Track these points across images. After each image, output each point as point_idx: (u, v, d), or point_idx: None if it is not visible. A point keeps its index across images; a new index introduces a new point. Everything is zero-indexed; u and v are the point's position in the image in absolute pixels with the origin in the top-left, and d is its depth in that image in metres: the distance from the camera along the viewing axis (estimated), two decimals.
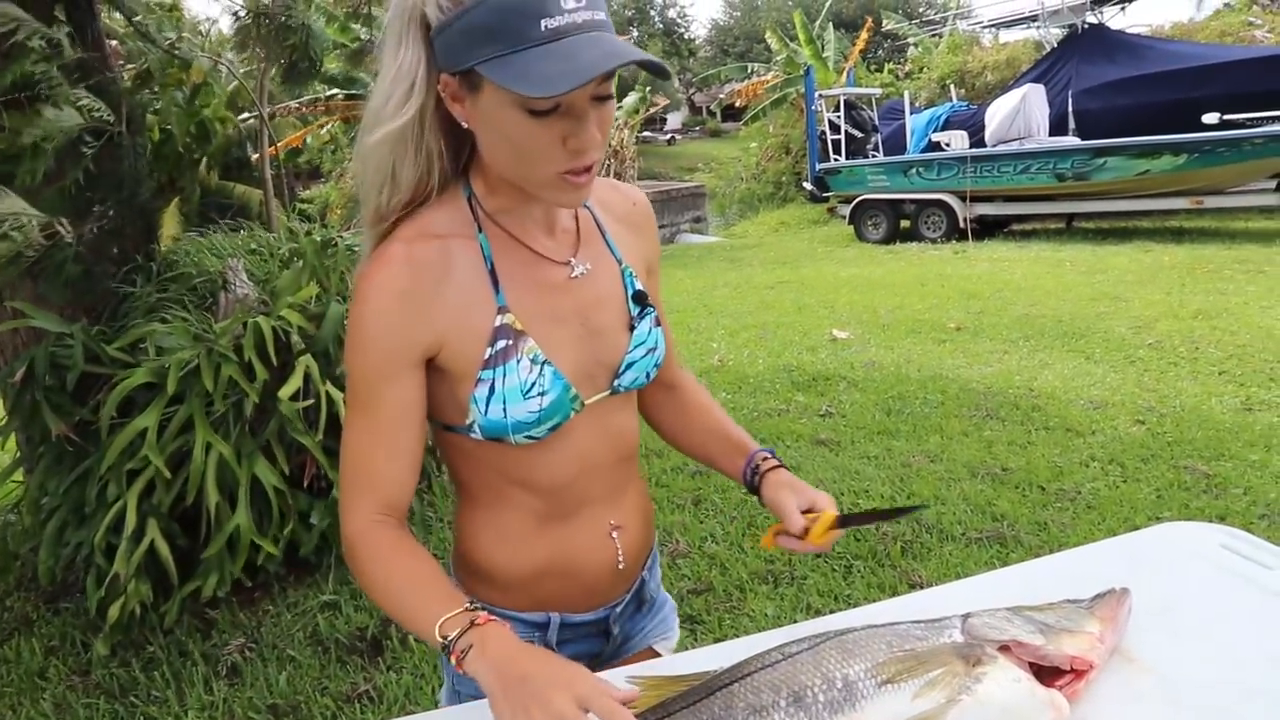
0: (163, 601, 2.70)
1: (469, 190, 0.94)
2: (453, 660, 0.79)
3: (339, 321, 2.92)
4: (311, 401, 2.80)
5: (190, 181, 4.23)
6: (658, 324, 1.05)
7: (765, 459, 1.08)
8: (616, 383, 1.00)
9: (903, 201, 12.08)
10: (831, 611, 2.64)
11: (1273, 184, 9.64)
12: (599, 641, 1.10)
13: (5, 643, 2.81)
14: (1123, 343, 5.53)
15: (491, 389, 0.90)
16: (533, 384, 0.91)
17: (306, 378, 2.81)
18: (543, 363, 0.91)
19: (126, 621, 2.65)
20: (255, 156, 6.02)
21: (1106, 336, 5.70)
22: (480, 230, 0.93)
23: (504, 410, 0.90)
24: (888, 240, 12.16)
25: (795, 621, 2.56)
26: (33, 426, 2.77)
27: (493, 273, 0.92)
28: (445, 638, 0.80)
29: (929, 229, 11.82)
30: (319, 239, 2.97)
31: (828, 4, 20.45)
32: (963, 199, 11.31)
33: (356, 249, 3.18)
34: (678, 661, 1.09)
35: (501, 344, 0.90)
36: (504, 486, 0.99)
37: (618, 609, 1.09)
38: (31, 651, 2.73)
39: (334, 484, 2.89)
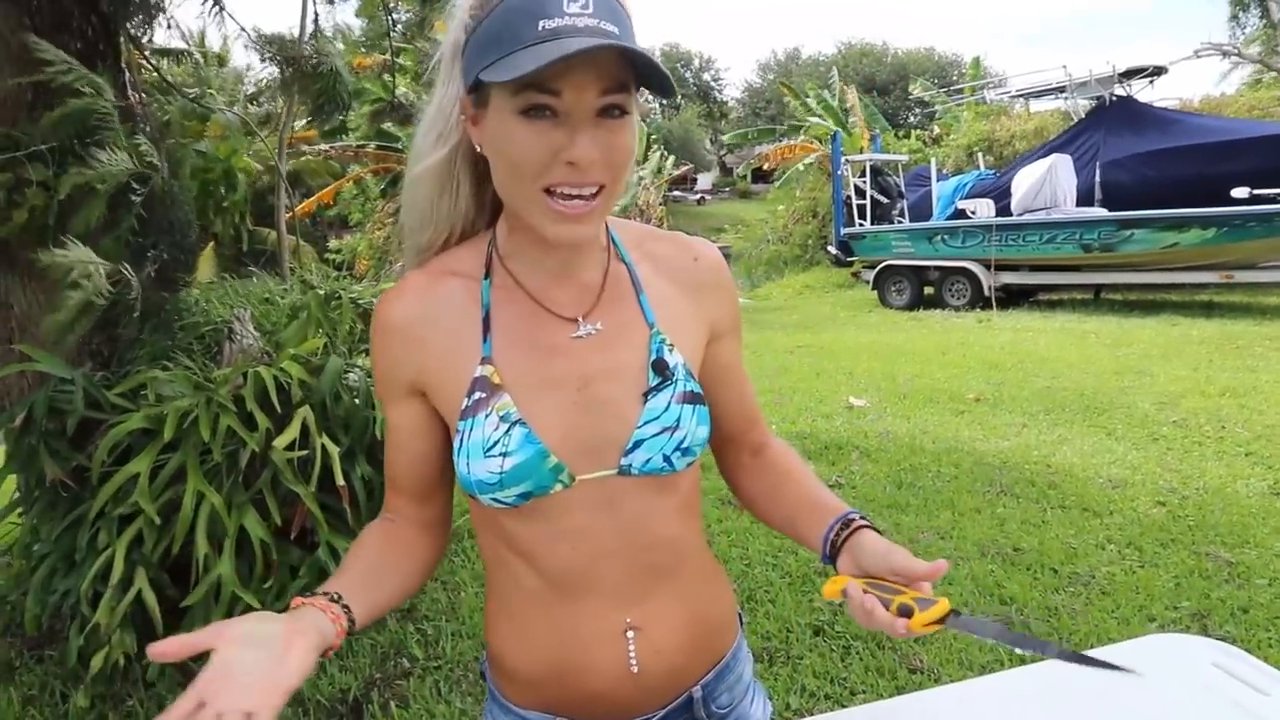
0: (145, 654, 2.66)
1: (493, 231, 0.92)
2: None
3: (337, 374, 2.91)
4: (306, 453, 2.78)
5: (223, 228, 4.29)
6: (690, 402, 0.89)
7: (857, 519, 0.89)
8: (625, 462, 0.87)
9: (927, 268, 12.06)
10: (826, 695, 2.54)
11: None
12: None
13: None
14: (1146, 419, 5.40)
15: (461, 441, 0.86)
16: (495, 442, 0.84)
17: (304, 430, 2.79)
18: (514, 422, 0.84)
19: (109, 673, 2.60)
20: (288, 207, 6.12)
21: (1129, 412, 5.58)
22: (487, 275, 0.90)
23: (468, 466, 0.85)
24: (911, 307, 12.12)
25: (788, 704, 2.47)
26: (31, 470, 2.77)
27: (486, 319, 0.88)
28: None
29: (953, 296, 11.77)
30: (323, 292, 2.97)
31: (835, 77, 20.76)
32: (988, 267, 11.27)
33: (362, 302, 3.19)
34: None
35: (477, 395, 0.85)
36: (508, 557, 0.93)
37: None
38: (9, 701, 2.68)
39: (323, 544, 2.85)
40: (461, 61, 0.82)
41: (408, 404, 0.91)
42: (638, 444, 0.87)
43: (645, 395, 0.87)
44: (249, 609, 2.68)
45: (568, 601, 0.91)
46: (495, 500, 0.86)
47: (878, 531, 0.87)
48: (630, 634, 0.90)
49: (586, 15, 0.74)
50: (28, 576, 2.78)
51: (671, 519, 0.93)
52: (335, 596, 0.83)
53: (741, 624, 1.07)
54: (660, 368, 0.88)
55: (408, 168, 0.91)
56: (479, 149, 0.84)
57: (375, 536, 0.95)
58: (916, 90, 20.92)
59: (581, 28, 0.74)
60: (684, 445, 0.89)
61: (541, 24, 0.73)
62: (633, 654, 0.90)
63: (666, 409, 0.87)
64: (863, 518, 0.89)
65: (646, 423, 0.87)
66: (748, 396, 1.04)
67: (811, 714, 2.41)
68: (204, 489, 2.59)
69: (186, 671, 2.76)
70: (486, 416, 0.84)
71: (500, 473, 0.84)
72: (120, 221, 2.64)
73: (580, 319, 0.89)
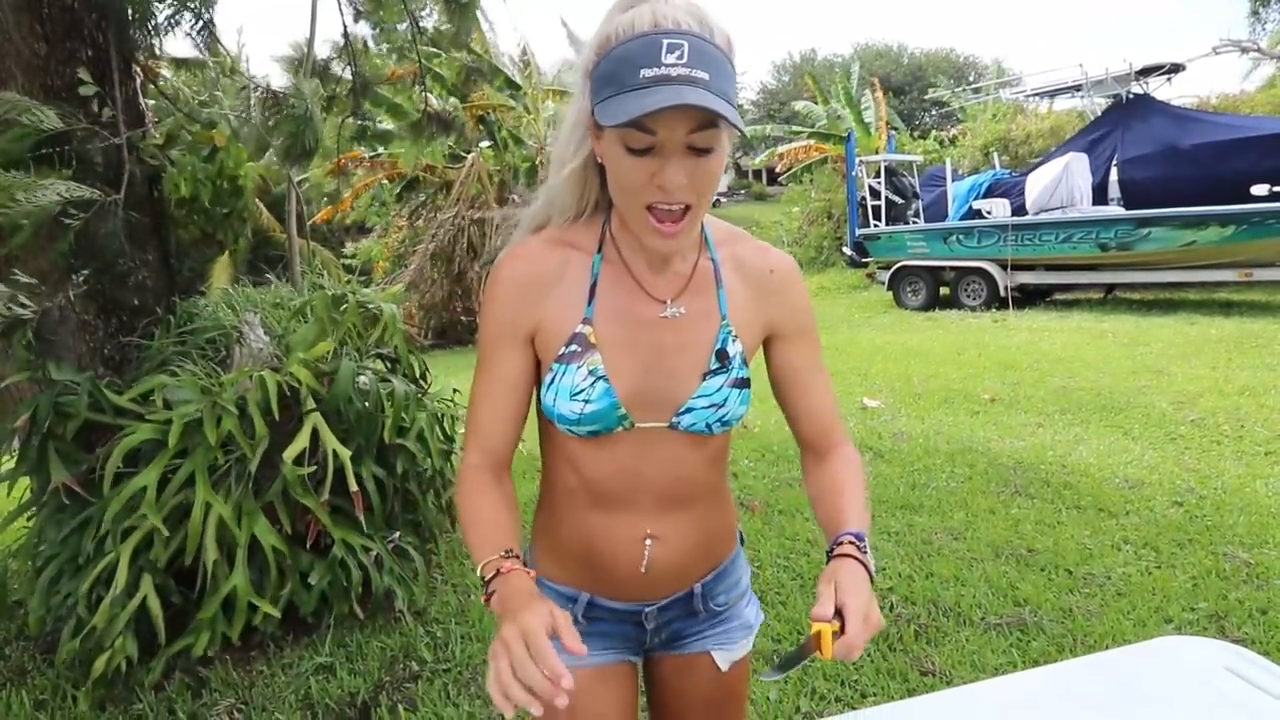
0: (150, 658, 2.66)
1: (608, 216, 1.09)
2: (484, 593, 0.96)
3: (350, 379, 2.91)
4: (315, 468, 2.78)
5: (230, 236, 4.32)
6: (738, 386, 1.09)
7: (840, 543, 1.02)
8: (675, 420, 1.08)
9: (943, 269, 11.97)
10: (837, 698, 2.51)
11: None
12: (632, 629, 1.21)
13: None
14: (1163, 419, 5.33)
15: (554, 379, 1.05)
16: (581, 390, 1.04)
17: (315, 436, 2.79)
18: (600, 377, 1.04)
19: (111, 677, 2.61)
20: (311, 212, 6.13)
21: (1146, 412, 5.51)
22: (600, 251, 1.08)
23: (554, 400, 1.06)
24: (927, 307, 12.03)
25: (798, 708, 2.44)
26: (40, 473, 2.78)
27: (593, 288, 1.06)
28: (483, 578, 0.97)
29: (969, 297, 11.67)
30: (330, 294, 2.97)
31: (856, 70, 20.62)
32: (1003, 267, 11.18)
33: (370, 305, 3.19)
34: None
35: (574, 347, 1.05)
36: (561, 465, 1.14)
37: (653, 608, 1.19)
38: (21, 704, 2.69)
39: (336, 543, 2.85)
40: (589, 86, 0.97)
41: (517, 353, 1.08)
42: (689, 410, 1.08)
43: (705, 375, 1.07)
44: (266, 618, 2.70)
45: (600, 508, 1.13)
46: (570, 431, 1.08)
47: (857, 554, 0.99)
48: (648, 541, 1.13)
49: (680, 65, 0.88)
50: (33, 579, 2.80)
51: (700, 466, 1.14)
52: (517, 554, 1.00)
53: (741, 540, 1.30)
54: (722, 356, 1.08)
55: (551, 169, 1.08)
56: (599, 159, 1.01)
57: (488, 489, 1.09)
58: (941, 90, 20.62)
59: (675, 77, 0.88)
60: (724, 419, 1.09)
61: (643, 73, 0.88)
62: (647, 557, 1.13)
63: (718, 390, 1.08)
64: (856, 539, 1.01)
65: (699, 396, 1.08)
66: (819, 401, 1.18)
67: (822, 716, 2.38)
68: (211, 499, 2.60)
69: (196, 676, 2.77)
70: (578, 368, 1.04)
71: (580, 414, 1.05)
72: (51, 247, 2.71)
73: (669, 301, 1.08)
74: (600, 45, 0.94)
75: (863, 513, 1.10)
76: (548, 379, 1.06)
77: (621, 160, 0.94)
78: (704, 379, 1.07)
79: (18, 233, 2.39)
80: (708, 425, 1.09)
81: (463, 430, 2.60)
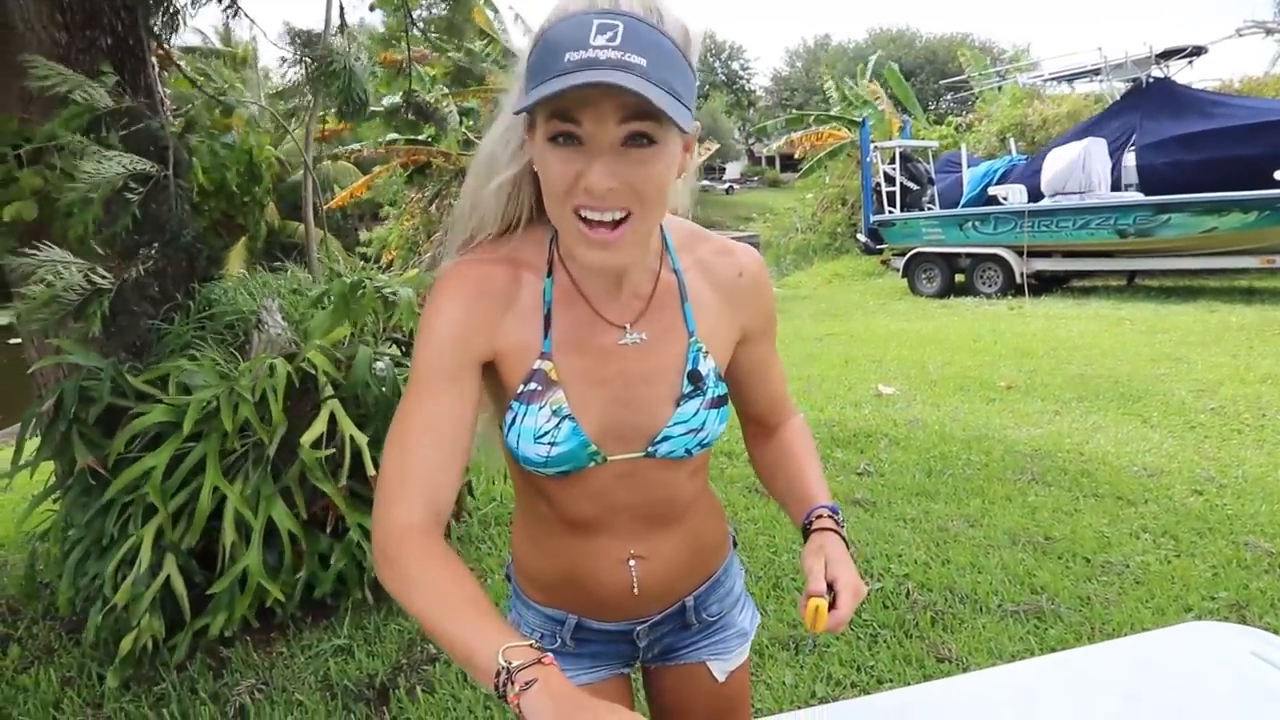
0: (177, 637, 2.70)
1: (556, 234, 0.96)
2: (514, 687, 0.75)
3: (368, 364, 2.92)
4: (333, 451, 2.80)
5: (251, 221, 4.33)
6: (715, 406, 1.01)
7: (819, 516, 1.04)
8: (650, 449, 1.00)
9: (958, 255, 11.89)
10: (853, 684, 2.51)
11: None
12: (624, 647, 1.16)
13: (25, 670, 2.82)
14: (1183, 407, 5.29)
15: (514, 419, 0.95)
16: (546, 432, 0.94)
17: (332, 422, 2.81)
18: (564, 416, 0.94)
19: (138, 656, 2.64)
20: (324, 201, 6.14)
21: (1166, 400, 5.47)
22: (550, 273, 0.96)
23: (518, 444, 0.95)
24: (942, 294, 11.96)
25: (814, 693, 2.45)
26: (63, 457, 2.81)
27: (547, 317, 0.95)
28: (509, 663, 0.76)
29: (984, 284, 11.60)
30: (348, 280, 2.98)
31: (874, 57, 20.43)
32: (1019, 254, 11.09)
33: (386, 291, 3.20)
34: None
35: (534, 385, 0.94)
36: (534, 495, 1.05)
37: (644, 625, 1.13)
38: (49, 681, 2.73)
39: (351, 528, 2.87)
40: (523, 87, 0.86)
41: (463, 383, 0.93)
42: (666, 438, 1.00)
43: (678, 401, 0.99)
44: (280, 600, 2.72)
45: (581, 536, 1.05)
46: (538, 472, 0.98)
47: (835, 527, 1.02)
48: (633, 562, 1.06)
49: (612, 48, 0.77)
50: (62, 561, 2.83)
51: (682, 484, 1.07)
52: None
53: (734, 544, 1.25)
54: (695, 378, 0.99)
55: (477, 177, 0.96)
56: (535, 167, 0.89)
57: (452, 559, 0.88)
58: (964, 60, 20.27)
59: (604, 60, 0.76)
60: (704, 441, 1.02)
61: (568, 56, 0.77)
62: (635, 578, 1.07)
63: (695, 414, 0.99)
64: (831, 512, 1.03)
65: (676, 424, 0.99)
66: (774, 385, 1.16)
67: (838, 701, 2.38)
68: (221, 484, 2.62)
69: (217, 656, 2.80)
70: (540, 408, 0.94)
71: (547, 456, 0.95)
72: (117, 220, 2.71)
73: (627, 326, 0.97)
74: (536, 36, 0.84)
75: (823, 480, 1.11)
76: (508, 418, 0.96)
77: (547, 157, 0.83)
78: (678, 405, 0.99)
79: (88, 205, 2.39)
80: (687, 450, 1.01)
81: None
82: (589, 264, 0.87)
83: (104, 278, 2.59)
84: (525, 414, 0.94)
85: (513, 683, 0.75)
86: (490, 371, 0.97)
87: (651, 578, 1.08)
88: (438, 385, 0.92)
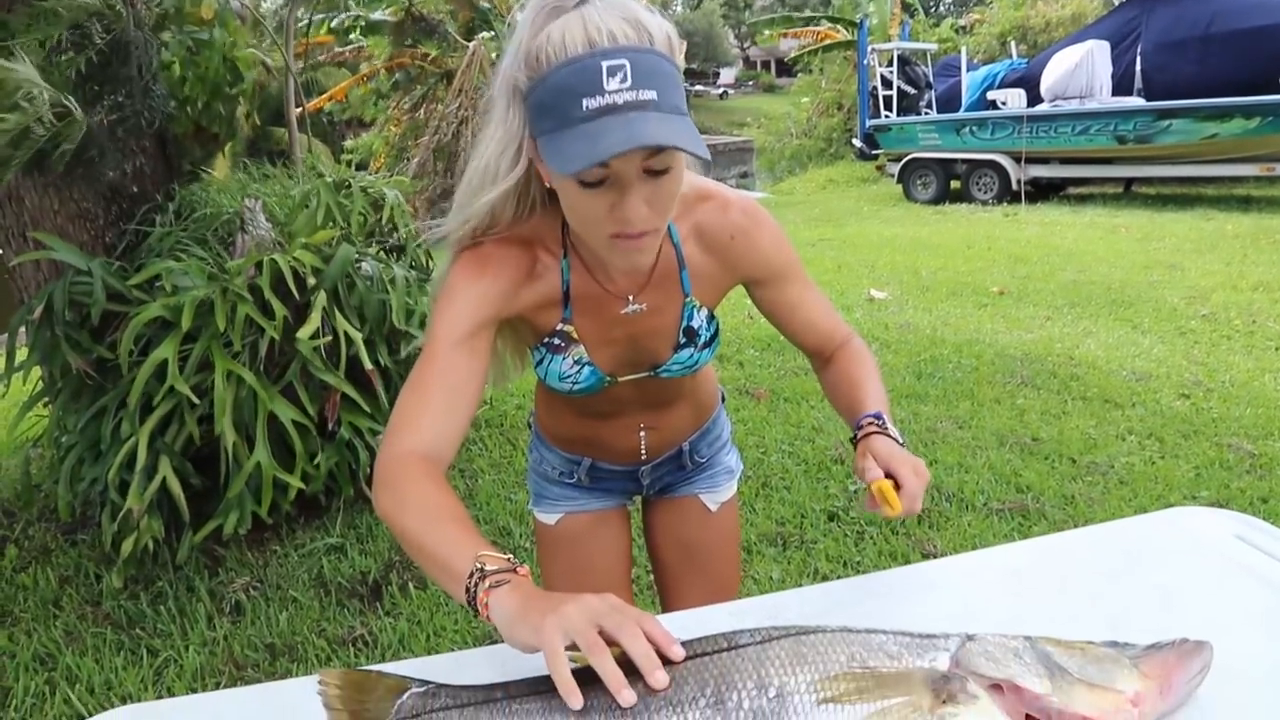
0: (176, 538, 2.73)
1: (563, 218, 1.02)
2: (484, 583, 0.77)
3: (347, 261, 2.87)
4: (330, 338, 2.78)
5: (223, 125, 4.20)
6: (703, 348, 1.16)
7: (869, 423, 1.07)
8: (655, 372, 1.17)
9: (954, 161, 11.70)
10: (839, 578, 2.57)
11: None
12: (629, 484, 1.39)
13: (24, 570, 2.87)
14: (1174, 313, 5.30)
15: (541, 360, 1.12)
16: (569, 374, 1.12)
17: (325, 316, 2.78)
18: (585, 364, 1.12)
19: (139, 556, 2.68)
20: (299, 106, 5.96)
21: (1157, 306, 5.48)
22: (565, 255, 1.06)
23: (545, 376, 1.14)
24: (937, 201, 11.82)
25: (800, 586, 2.50)
26: (53, 362, 2.79)
27: (566, 293, 1.08)
28: (483, 565, 0.78)
29: (980, 190, 11.45)
30: (332, 180, 2.91)
31: None
32: (1017, 160, 10.91)
33: (371, 191, 3.14)
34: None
35: (558, 340, 1.10)
36: (553, 392, 1.20)
37: (647, 466, 1.35)
38: (47, 580, 2.78)
39: (343, 426, 2.88)
40: (522, 109, 0.91)
41: (477, 339, 1.00)
42: (666, 370, 1.18)
43: (675, 349, 1.15)
44: (286, 496, 2.73)
45: (597, 420, 1.28)
46: (559, 393, 1.18)
47: (881, 429, 1.05)
48: (643, 432, 1.29)
49: (625, 89, 0.81)
50: (57, 465, 2.84)
51: (683, 382, 1.25)
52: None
53: (722, 400, 1.45)
54: (689, 333, 1.14)
55: (470, 188, 0.99)
56: (547, 184, 0.96)
57: (443, 481, 0.92)
58: None
59: (622, 104, 0.81)
60: (698, 364, 1.19)
61: (585, 103, 0.81)
62: (643, 443, 1.30)
63: (689, 356, 1.17)
64: (875, 419, 1.07)
65: (674, 363, 1.17)
66: (816, 321, 1.21)
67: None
68: (235, 367, 2.59)
69: (213, 555, 2.84)
70: (564, 358, 1.11)
71: (570, 388, 1.15)
72: (81, 51, 2.59)
73: (630, 298, 1.10)
74: (530, 64, 0.86)
75: (880, 395, 1.13)
76: (535, 357, 1.14)
77: (575, 198, 0.90)
78: (675, 351, 1.16)
79: (54, 22, 2.27)
80: (684, 371, 1.19)
81: None
82: (624, 267, 1.03)
83: (76, 109, 2.48)
84: (551, 360, 1.11)
85: (484, 579, 0.77)
86: (510, 324, 1.11)
87: (659, 441, 1.32)
88: (454, 346, 0.99)
